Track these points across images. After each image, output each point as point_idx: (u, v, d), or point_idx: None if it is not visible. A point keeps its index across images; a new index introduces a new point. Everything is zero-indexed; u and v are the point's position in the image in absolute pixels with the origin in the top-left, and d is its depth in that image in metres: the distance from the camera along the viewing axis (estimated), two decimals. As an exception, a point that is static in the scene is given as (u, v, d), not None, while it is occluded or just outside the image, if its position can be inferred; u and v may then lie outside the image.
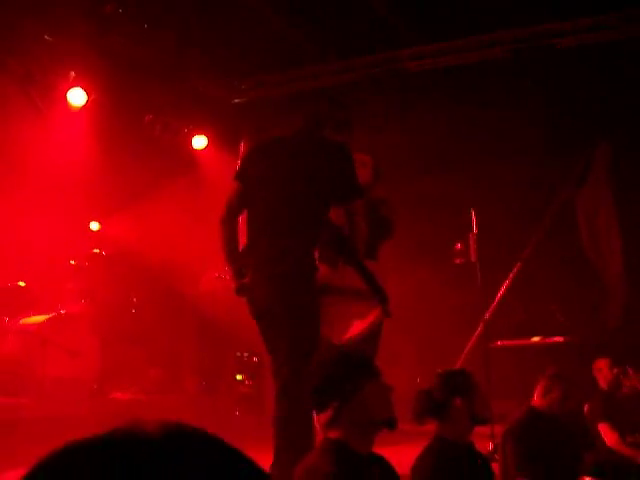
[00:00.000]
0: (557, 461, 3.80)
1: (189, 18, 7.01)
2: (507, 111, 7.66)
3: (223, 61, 7.96)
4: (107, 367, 6.78)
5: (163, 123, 8.10)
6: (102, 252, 7.40)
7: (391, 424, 2.56)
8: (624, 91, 7.39)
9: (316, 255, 3.92)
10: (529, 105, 7.59)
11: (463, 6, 6.89)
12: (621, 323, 7.84)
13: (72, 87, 7.08)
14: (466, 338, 7.88)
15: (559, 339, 7.50)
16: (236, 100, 8.59)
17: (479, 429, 3.33)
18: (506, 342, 7.60)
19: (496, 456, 4.31)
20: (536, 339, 7.70)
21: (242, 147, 7.95)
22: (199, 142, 8.51)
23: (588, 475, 4.43)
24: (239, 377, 7.68)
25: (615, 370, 5.60)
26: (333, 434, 2.51)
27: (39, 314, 6.50)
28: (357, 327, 4.01)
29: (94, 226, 8.17)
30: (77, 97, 7.13)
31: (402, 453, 3.42)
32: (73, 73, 7.04)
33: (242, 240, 4.04)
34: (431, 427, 3.11)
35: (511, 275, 8.09)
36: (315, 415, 2.59)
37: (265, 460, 3.49)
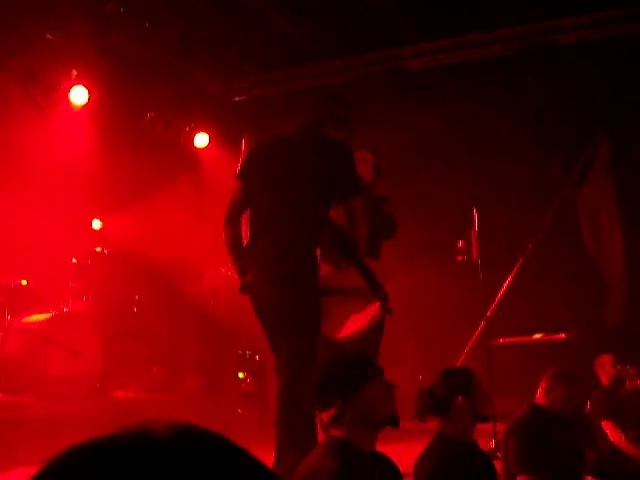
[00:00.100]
0: (559, 458, 3.80)
1: (190, 16, 7.01)
2: (508, 109, 7.66)
3: (224, 59, 7.97)
4: (109, 365, 6.79)
5: (164, 121, 8.10)
6: (104, 250, 7.40)
7: (394, 422, 2.57)
8: (625, 89, 7.38)
9: (318, 254, 3.92)
10: (530, 103, 7.59)
11: (463, 3, 6.88)
12: (621, 321, 7.84)
13: (74, 86, 7.09)
14: (468, 336, 7.89)
15: (561, 336, 7.50)
16: (237, 98, 8.59)
17: (481, 427, 3.33)
18: (508, 339, 7.60)
19: (498, 454, 4.31)
20: (538, 336, 7.70)
21: (243, 145, 7.96)
22: (201, 140, 8.52)
23: (591, 476, 4.43)
24: (241, 375, 7.68)
25: (618, 367, 5.60)
26: (336, 432, 2.52)
27: (41, 312, 6.50)
28: (356, 323, 4.01)
29: (96, 224, 8.18)
30: (79, 95, 7.13)
31: (405, 451, 3.42)
32: (75, 72, 7.04)
33: (246, 239, 4.05)
34: (433, 425, 3.11)
35: (513, 273, 8.08)
36: (319, 414, 2.59)
37: (267, 458, 3.49)
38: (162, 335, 8.01)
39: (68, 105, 7.14)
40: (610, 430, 5.24)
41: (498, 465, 3.56)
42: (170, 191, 7.98)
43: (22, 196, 6.87)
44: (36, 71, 6.77)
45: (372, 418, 2.53)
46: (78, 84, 7.09)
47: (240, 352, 7.75)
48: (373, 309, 4.01)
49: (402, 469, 2.75)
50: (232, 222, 4.00)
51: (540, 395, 4.03)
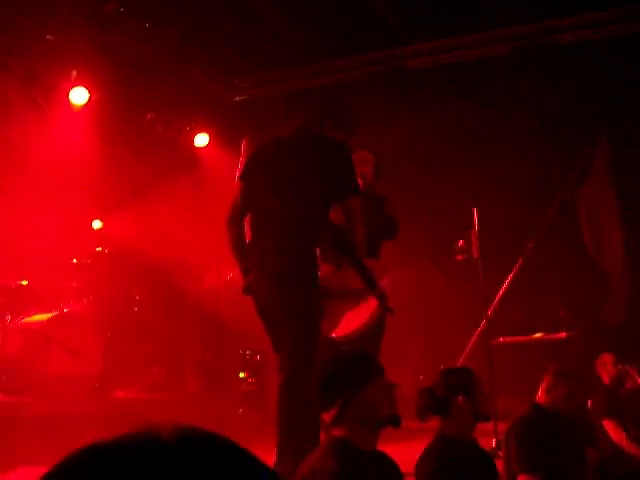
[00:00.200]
0: (560, 458, 3.80)
1: (190, 16, 7.01)
2: (508, 109, 7.66)
3: (224, 59, 7.97)
4: (110, 365, 6.79)
5: (165, 121, 8.10)
6: (104, 250, 7.40)
7: (395, 422, 2.57)
8: (625, 88, 7.38)
9: (318, 254, 3.93)
10: (530, 103, 7.59)
11: (463, 3, 6.88)
12: (621, 320, 7.84)
13: (74, 86, 7.09)
14: (468, 335, 7.88)
15: (561, 335, 7.50)
16: (237, 98, 8.60)
17: (482, 426, 3.33)
18: (508, 339, 7.60)
19: (499, 453, 4.31)
20: (538, 335, 7.69)
21: (244, 145, 7.96)
22: (201, 140, 8.52)
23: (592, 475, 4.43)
24: (242, 375, 7.68)
25: (619, 366, 5.59)
26: (337, 432, 2.52)
27: (42, 313, 6.51)
28: (353, 322, 4.02)
29: (96, 224, 8.17)
30: (79, 96, 7.13)
31: (406, 450, 3.42)
32: (75, 72, 7.04)
33: (247, 239, 4.07)
34: (434, 424, 3.12)
35: (513, 272, 8.08)
36: (320, 414, 2.60)
37: (268, 458, 3.49)
38: (162, 335, 8.02)
39: (68, 105, 7.14)
40: (611, 429, 5.24)
41: (499, 464, 3.57)
42: (170, 191, 7.99)
43: (22, 196, 6.87)
44: (36, 71, 6.77)
45: (373, 418, 2.53)
46: (78, 84, 7.09)
47: (241, 352, 7.75)
48: (370, 308, 4.01)
49: (403, 469, 2.75)
50: (234, 224, 4.02)
51: (541, 394, 4.03)
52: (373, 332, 4.31)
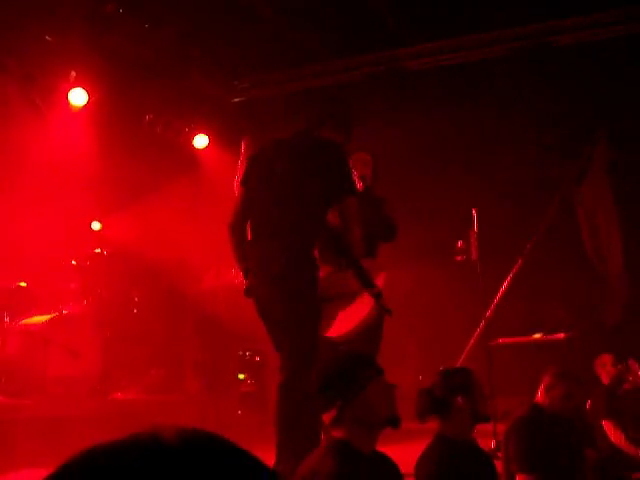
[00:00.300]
0: (559, 458, 3.80)
1: (189, 17, 7.00)
2: (507, 109, 7.66)
3: (224, 60, 7.97)
4: (109, 367, 6.79)
5: (164, 122, 8.10)
6: (103, 252, 7.40)
7: (395, 422, 2.57)
8: (623, 89, 7.39)
9: (316, 255, 3.94)
10: (529, 103, 7.59)
11: (463, 5, 6.88)
12: (620, 321, 7.84)
13: (73, 87, 7.08)
14: (467, 336, 7.88)
15: (560, 336, 7.50)
16: (237, 99, 8.59)
17: (482, 427, 3.34)
18: (507, 339, 7.60)
19: (499, 454, 4.31)
20: (537, 336, 7.70)
21: (243, 146, 7.95)
22: (200, 141, 8.51)
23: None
24: (241, 376, 7.68)
25: (619, 366, 5.60)
26: (337, 433, 2.52)
27: (41, 314, 6.50)
28: (347, 323, 4.02)
29: (95, 226, 8.17)
30: (78, 97, 7.12)
31: (405, 451, 3.42)
32: (74, 73, 7.03)
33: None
34: (434, 425, 3.12)
35: (512, 273, 8.08)
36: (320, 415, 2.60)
37: (268, 459, 3.49)
38: (162, 336, 8.01)
39: (67, 107, 7.13)
40: (610, 430, 5.24)
41: (498, 465, 3.57)
42: (169, 192, 7.98)
43: (21, 198, 6.87)
44: (35, 72, 6.77)
45: (372, 419, 2.53)
46: (77, 85, 7.09)
47: (240, 353, 7.75)
48: (366, 307, 4.01)
49: (403, 469, 2.75)
50: (237, 229, 4.05)
51: (540, 395, 4.04)
52: (370, 332, 4.31)
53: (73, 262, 7.15)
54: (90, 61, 6.97)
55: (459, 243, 6.14)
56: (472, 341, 7.81)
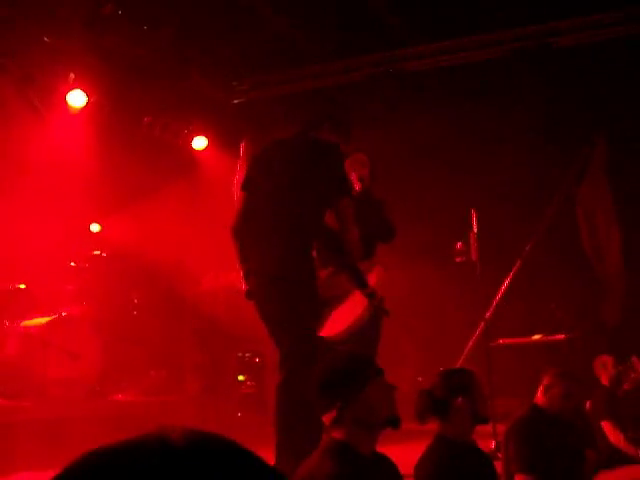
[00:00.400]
0: (559, 458, 3.80)
1: (188, 18, 7.00)
2: (506, 110, 7.66)
3: (223, 62, 7.96)
4: (108, 368, 6.78)
5: (163, 124, 8.09)
6: (102, 253, 7.40)
7: (395, 423, 2.57)
8: (622, 90, 7.39)
9: (315, 255, 3.96)
10: (528, 104, 7.59)
11: (462, 5, 6.88)
12: (620, 321, 7.84)
13: (71, 89, 7.08)
14: (467, 337, 7.88)
15: (560, 337, 7.50)
16: (236, 100, 8.58)
17: (481, 427, 3.33)
18: (507, 340, 7.60)
19: (499, 454, 4.31)
20: (537, 337, 7.69)
21: (243, 148, 7.95)
22: (199, 143, 8.51)
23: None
24: (241, 378, 7.67)
25: (619, 367, 5.60)
26: (337, 434, 2.51)
27: (40, 316, 6.50)
28: (339, 321, 4.02)
29: (94, 228, 8.17)
30: (77, 99, 7.12)
31: (405, 452, 3.42)
32: (72, 75, 7.02)
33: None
34: (433, 426, 3.11)
35: (511, 273, 8.08)
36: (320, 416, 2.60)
37: (268, 460, 3.48)
38: (161, 338, 8.00)
39: (66, 108, 7.13)
40: (609, 430, 5.24)
41: (498, 466, 3.57)
42: (168, 194, 7.98)
43: (20, 199, 6.86)
44: (34, 74, 6.76)
45: (372, 419, 2.52)
46: (76, 87, 7.08)
47: (240, 354, 7.74)
48: (358, 307, 4.01)
49: (402, 470, 2.75)
50: (239, 232, 4.05)
51: (539, 395, 4.04)
52: (365, 332, 4.29)
53: (72, 264, 7.14)
54: (89, 62, 6.96)
55: (459, 244, 6.14)
56: (472, 342, 7.81)
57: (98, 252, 7.37)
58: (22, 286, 6.68)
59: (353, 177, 4.76)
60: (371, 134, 6.41)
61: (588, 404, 5.44)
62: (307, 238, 3.95)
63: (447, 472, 2.95)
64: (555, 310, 7.97)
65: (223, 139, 8.52)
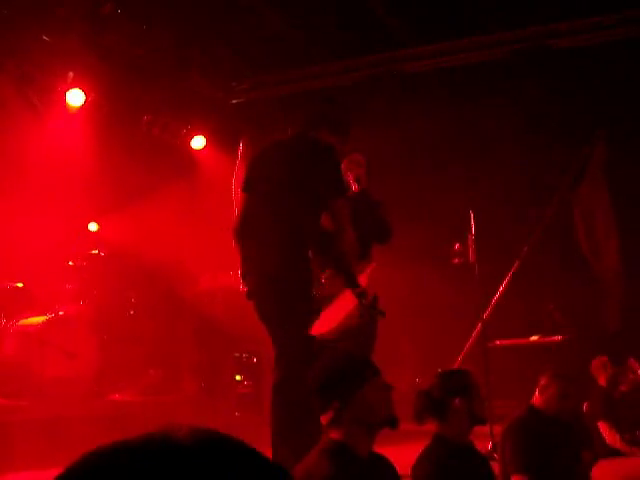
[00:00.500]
0: (556, 459, 3.80)
1: (188, 18, 7.00)
2: (505, 112, 7.67)
3: (222, 61, 7.95)
4: (105, 368, 6.78)
5: (162, 124, 8.08)
6: (100, 253, 7.39)
7: (392, 423, 2.57)
8: (621, 91, 7.40)
9: (310, 256, 3.97)
10: (527, 106, 7.60)
11: (462, 7, 6.89)
12: (618, 323, 7.84)
13: (70, 88, 7.07)
14: (465, 338, 7.88)
15: (557, 338, 7.51)
16: (235, 101, 8.58)
17: (479, 428, 3.33)
18: (505, 341, 7.60)
19: (495, 455, 4.31)
20: (534, 338, 7.70)
21: (241, 148, 7.95)
22: (198, 143, 8.50)
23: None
24: (238, 378, 7.67)
25: (615, 368, 5.60)
26: (334, 435, 2.51)
27: (37, 315, 6.49)
28: (328, 320, 4.02)
29: (92, 227, 8.16)
30: (75, 98, 7.11)
31: (403, 452, 3.42)
32: (71, 74, 7.02)
33: None
34: (431, 427, 3.12)
35: (509, 275, 8.08)
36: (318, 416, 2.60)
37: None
38: (159, 337, 8.00)
39: (64, 107, 7.12)
40: (605, 431, 5.25)
41: (495, 466, 3.57)
42: (167, 194, 7.97)
43: (18, 198, 6.86)
44: (32, 73, 6.75)
45: (370, 419, 2.52)
46: (75, 86, 7.08)
47: (237, 354, 7.74)
48: (349, 305, 4.00)
49: (400, 470, 2.75)
50: (240, 234, 4.04)
51: (536, 396, 4.04)
52: (355, 330, 4.26)
53: (70, 263, 7.14)
54: (88, 62, 6.96)
55: (456, 245, 6.15)
56: (469, 343, 7.81)
57: (96, 251, 7.36)
58: (20, 285, 6.67)
59: (350, 177, 4.76)
60: (370, 134, 6.41)
61: (585, 405, 5.45)
62: (304, 239, 3.97)
63: (444, 473, 2.95)
64: (552, 311, 7.98)
65: (222, 139, 8.51)
